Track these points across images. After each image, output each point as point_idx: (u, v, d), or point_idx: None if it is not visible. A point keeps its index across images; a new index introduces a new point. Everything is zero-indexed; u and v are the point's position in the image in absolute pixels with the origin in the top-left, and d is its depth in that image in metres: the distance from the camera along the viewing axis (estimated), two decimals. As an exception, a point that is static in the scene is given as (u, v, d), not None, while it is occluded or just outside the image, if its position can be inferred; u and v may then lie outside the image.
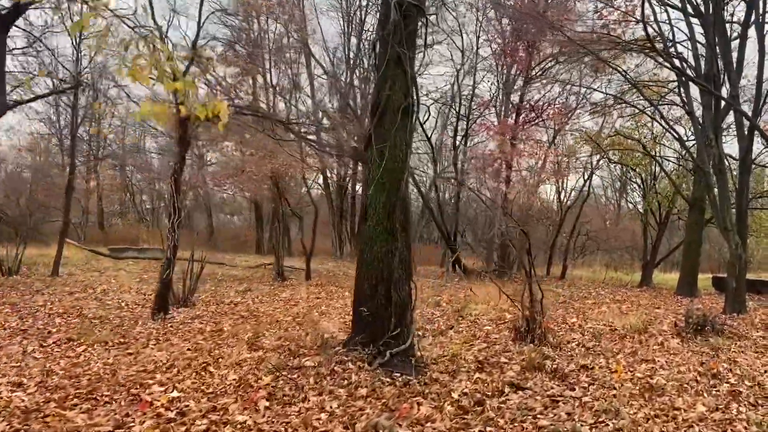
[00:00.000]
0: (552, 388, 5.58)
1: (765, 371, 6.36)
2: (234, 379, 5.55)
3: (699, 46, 13.21)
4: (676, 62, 12.56)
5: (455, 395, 5.14)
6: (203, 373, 5.84)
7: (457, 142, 21.81)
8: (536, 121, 19.81)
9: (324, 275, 19.31)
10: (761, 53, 11.87)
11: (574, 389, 5.55)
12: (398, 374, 5.58)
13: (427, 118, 21.40)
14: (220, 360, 6.31)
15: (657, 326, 9.25)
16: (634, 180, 20.57)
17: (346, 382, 5.31)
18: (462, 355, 6.64)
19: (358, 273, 6.03)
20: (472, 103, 22.36)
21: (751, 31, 12.40)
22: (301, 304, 11.66)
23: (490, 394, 5.25)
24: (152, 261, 20.48)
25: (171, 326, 8.73)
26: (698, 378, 5.98)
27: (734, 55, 12.12)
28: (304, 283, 16.08)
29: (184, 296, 10.94)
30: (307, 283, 16.44)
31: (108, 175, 30.96)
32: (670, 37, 13.60)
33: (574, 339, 8.23)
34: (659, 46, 12.82)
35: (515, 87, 21.14)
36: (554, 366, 6.33)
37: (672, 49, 13.72)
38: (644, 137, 18.36)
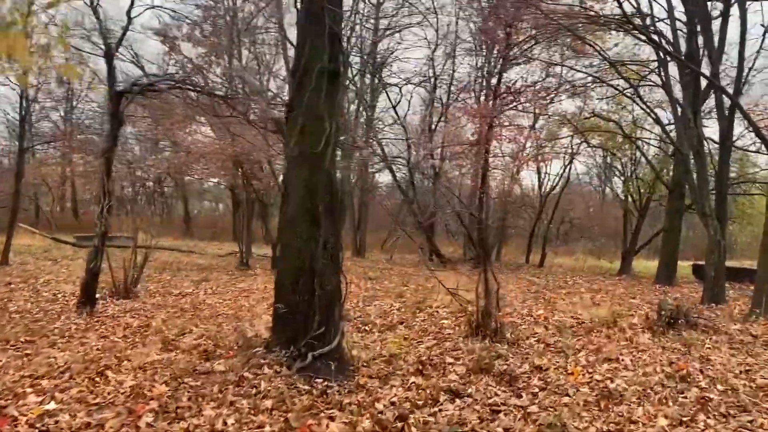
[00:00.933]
0: (496, 394, 4.86)
1: (740, 371, 5.68)
2: (129, 387, 4.78)
3: (680, 24, 12.52)
4: (654, 37, 11.82)
5: (379, 406, 4.40)
6: (98, 378, 5.06)
7: (433, 126, 20.98)
8: (514, 104, 19.01)
9: None
10: (743, 27, 11.17)
11: (521, 396, 4.84)
12: (320, 380, 4.83)
13: (399, 100, 20.57)
14: (125, 363, 5.53)
15: (628, 319, 8.57)
16: (614, 165, 19.92)
17: (254, 390, 4.56)
18: (403, 355, 5.90)
19: (278, 264, 5.26)
20: (452, 87, 21.54)
21: (734, 9, 11.73)
22: (255, 296, 10.89)
23: (421, 403, 4.52)
24: (121, 249, 19.50)
25: (96, 321, 7.92)
26: (665, 381, 5.29)
27: (716, 39, 11.45)
28: (268, 273, 15.29)
29: (126, 287, 10.14)
30: (272, 271, 15.66)
31: (85, 161, 29.70)
32: (649, 13, 12.86)
33: (537, 334, 7.52)
34: (637, 21, 12.07)
35: (495, 69, 20.35)
36: (504, 367, 5.62)
37: (651, 27, 12.98)
38: (625, 120, 17.67)
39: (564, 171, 23.12)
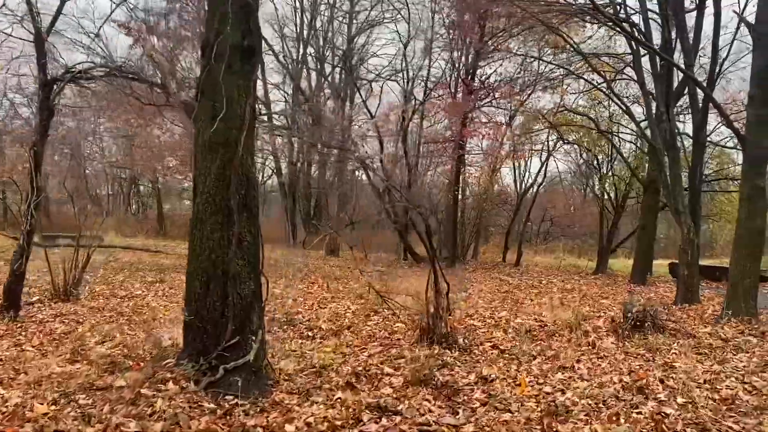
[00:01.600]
0: (430, 411, 4.32)
1: (704, 381, 5.20)
2: (13, 405, 4.18)
3: (655, 16, 12.10)
4: (627, 27, 11.37)
5: (291, 428, 3.84)
6: (-18, 395, 4.45)
7: (406, 123, 20.40)
8: (488, 99, 18.52)
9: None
10: (716, 17, 10.76)
11: (457, 413, 4.30)
12: (231, 397, 4.26)
13: (369, 96, 20.03)
14: (21, 376, 4.91)
15: (593, 322, 8.09)
16: (590, 162, 19.50)
17: (150, 410, 3.98)
18: (336, 366, 5.34)
19: (188, 266, 4.67)
20: (428, 83, 21.00)
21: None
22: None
23: (340, 424, 3.97)
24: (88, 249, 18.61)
25: (19, 327, 7.27)
26: (620, 393, 4.78)
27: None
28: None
29: (65, 289, 9.49)
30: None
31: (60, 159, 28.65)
32: (620, 1, 12.41)
33: (494, 339, 7.01)
34: (609, 10, 11.61)
35: (469, 63, 19.85)
36: (447, 378, 5.09)
37: (624, 17, 12.54)
38: (601, 116, 17.24)
39: (542, 169, 22.72)
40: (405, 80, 20.15)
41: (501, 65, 19.15)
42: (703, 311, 9.64)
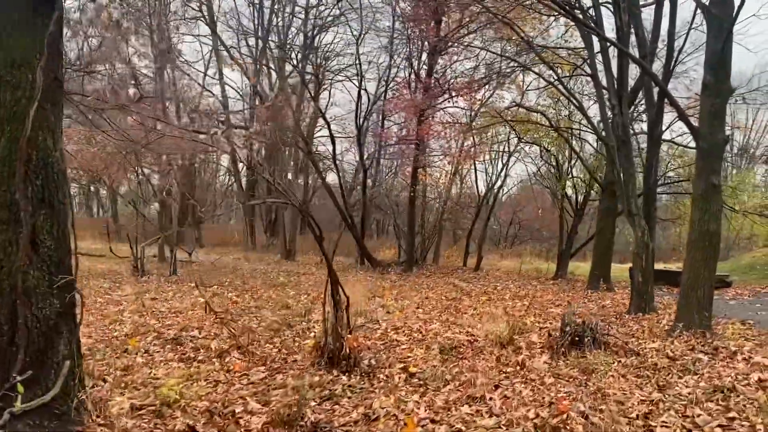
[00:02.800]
0: (277, 468, 3.32)
1: (638, 414, 4.28)
2: None
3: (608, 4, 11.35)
4: (578, 15, 10.56)
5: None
6: None
7: (360, 121, 19.43)
8: (445, 97, 17.62)
9: (203, 270, 16.74)
10: (672, 5, 9.99)
11: (311, 470, 3.31)
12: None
13: (322, 91, 19.01)
14: None
15: (529, 336, 7.17)
16: (549, 163, 18.75)
17: None
18: (185, 402, 4.30)
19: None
20: (388, 81, 20.07)
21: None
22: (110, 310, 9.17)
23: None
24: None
25: None
26: (531, 434, 3.84)
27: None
28: (155, 281, 13.50)
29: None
30: (164, 279, 13.89)
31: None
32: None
33: (408, 359, 6.04)
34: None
35: (423, 59, 19.00)
36: (320, 417, 4.09)
37: (576, 4, 11.76)
38: (559, 114, 16.46)
39: (503, 170, 21.94)
40: (359, 77, 19.14)
41: (459, 62, 18.29)
42: (658, 321, 8.80)
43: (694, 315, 7.31)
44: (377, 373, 5.40)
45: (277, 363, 5.64)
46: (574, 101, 11.69)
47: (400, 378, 5.29)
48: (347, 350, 5.33)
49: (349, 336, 5.38)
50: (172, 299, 10.62)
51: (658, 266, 17.42)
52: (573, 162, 17.77)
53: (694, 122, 7.82)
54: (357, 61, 19.03)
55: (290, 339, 6.98)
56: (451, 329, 7.84)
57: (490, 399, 4.62)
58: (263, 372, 5.31)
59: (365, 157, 19.84)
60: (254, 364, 5.66)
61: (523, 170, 57.95)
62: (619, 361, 5.95)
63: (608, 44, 9.82)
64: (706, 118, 7.43)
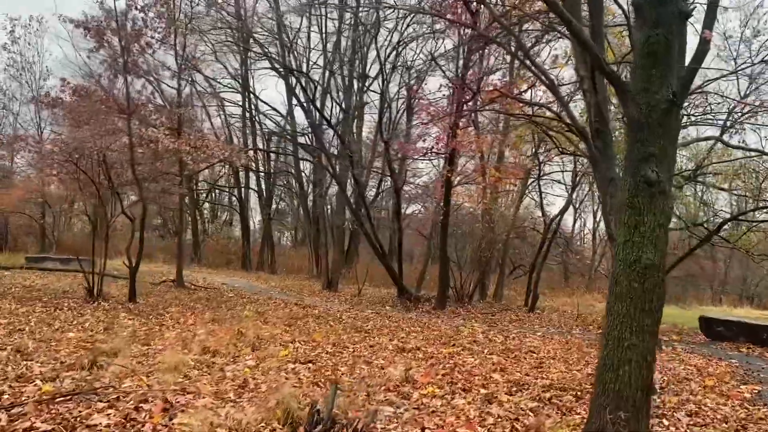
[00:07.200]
0: None
1: None
2: None
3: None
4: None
5: None
6: None
7: (384, 132, 17.03)
8: (472, 98, 14.67)
9: (177, 296, 14.91)
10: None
11: None
12: None
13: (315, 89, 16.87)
14: None
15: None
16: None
17: None
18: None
19: None
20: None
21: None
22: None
23: None
24: (75, 274, 16.68)
25: None
26: None
27: None
28: (111, 309, 11.97)
29: None
30: (124, 306, 12.36)
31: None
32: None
33: None
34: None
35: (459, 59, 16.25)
36: None
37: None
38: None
39: (572, 193, 18.23)
40: (383, 81, 16.83)
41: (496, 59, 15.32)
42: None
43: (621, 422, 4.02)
44: None
45: None
46: (544, 80, 8.06)
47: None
48: None
49: None
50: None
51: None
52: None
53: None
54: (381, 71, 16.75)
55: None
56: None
57: None
58: None
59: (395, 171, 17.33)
60: None
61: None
62: None
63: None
64: (639, 63, 4.22)
